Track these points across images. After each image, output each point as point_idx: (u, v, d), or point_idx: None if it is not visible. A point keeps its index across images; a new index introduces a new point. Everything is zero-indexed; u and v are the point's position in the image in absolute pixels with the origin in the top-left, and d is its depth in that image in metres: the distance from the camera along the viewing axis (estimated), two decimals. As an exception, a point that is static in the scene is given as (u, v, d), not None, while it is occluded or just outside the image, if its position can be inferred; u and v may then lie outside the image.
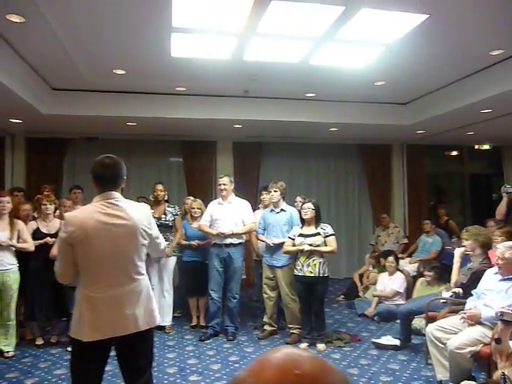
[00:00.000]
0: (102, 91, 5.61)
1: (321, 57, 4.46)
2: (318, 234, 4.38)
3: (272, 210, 4.85)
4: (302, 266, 4.34)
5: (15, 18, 3.57)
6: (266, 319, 4.84)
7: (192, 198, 5.60)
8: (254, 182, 7.71)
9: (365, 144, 8.22)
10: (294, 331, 4.62)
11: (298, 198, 5.47)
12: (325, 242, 4.35)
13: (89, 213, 2.18)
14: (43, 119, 5.78)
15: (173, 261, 4.99)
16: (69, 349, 4.01)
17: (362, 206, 8.53)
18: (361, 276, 6.60)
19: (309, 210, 4.41)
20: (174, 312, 5.11)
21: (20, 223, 4.33)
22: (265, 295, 4.80)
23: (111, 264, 2.17)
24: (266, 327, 4.83)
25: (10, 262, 4.20)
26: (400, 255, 6.57)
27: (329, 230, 4.43)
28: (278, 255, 4.65)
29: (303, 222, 4.48)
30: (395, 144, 8.49)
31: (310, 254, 4.32)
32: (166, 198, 5.15)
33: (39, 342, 4.51)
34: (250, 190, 7.09)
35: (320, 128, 6.84)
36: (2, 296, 4.17)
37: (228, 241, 4.72)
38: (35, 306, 4.37)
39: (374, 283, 5.93)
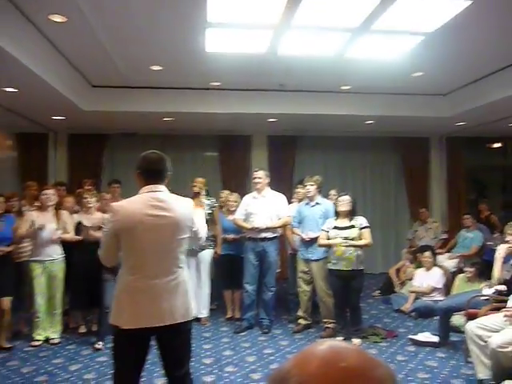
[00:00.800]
0: (140, 87, 5.72)
1: (357, 48, 4.38)
2: (353, 226, 4.33)
3: (307, 204, 4.82)
4: (337, 259, 4.31)
5: (57, 18, 3.70)
6: (300, 313, 4.84)
7: (228, 191, 5.63)
8: (289, 176, 7.69)
9: (402, 137, 8.02)
10: (329, 326, 4.60)
11: (332, 192, 5.43)
12: (360, 234, 4.30)
13: (135, 203, 2.25)
14: (84, 116, 5.97)
15: (210, 253, 5.07)
16: (97, 346, 4.18)
17: (398, 200, 8.35)
18: (397, 271, 6.48)
19: (345, 202, 4.37)
20: (210, 304, 5.19)
21: (64, 214, 4.51)
22: (299, 289, 4.80)
23: (152, 255, 2.21)
24: (301, 321, 4.82)
25: (57, 253, 4.39)
26: (439, 250, 6.41)
27: (364, 222, 4.38)
28: (313, 248, 4.63)
29: (337, 214, 4.44)
30: (434, 136, 8.24)
31: (345, 248, 4.28)
32: (203, 193, 5.20)
33: (82, 330, 4.68)
34: (284, 184, 7.07)
35: (356, 121, 6.74)
36: (49, 285, 4.37)
37: (263, 235, 4.73)
38: (78, 296, 4.55)
39: (411, 279, 5.81)
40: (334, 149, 8.04)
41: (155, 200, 2.24)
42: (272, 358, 4.03)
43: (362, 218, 4.44)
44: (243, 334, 4.68)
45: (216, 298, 5.47)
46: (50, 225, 4.34)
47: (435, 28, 3.88)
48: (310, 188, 4.73)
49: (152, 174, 2.29)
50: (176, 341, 2.29)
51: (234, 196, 5.30)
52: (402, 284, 6.14)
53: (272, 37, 4.12)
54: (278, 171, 7.37)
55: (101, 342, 4.21)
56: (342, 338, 4.37)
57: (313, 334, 4.67)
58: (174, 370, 2.32)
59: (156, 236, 2.21)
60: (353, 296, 4.36)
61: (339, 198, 4.47)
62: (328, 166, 8.06)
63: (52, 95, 4.88)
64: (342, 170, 8.22)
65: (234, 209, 5.14)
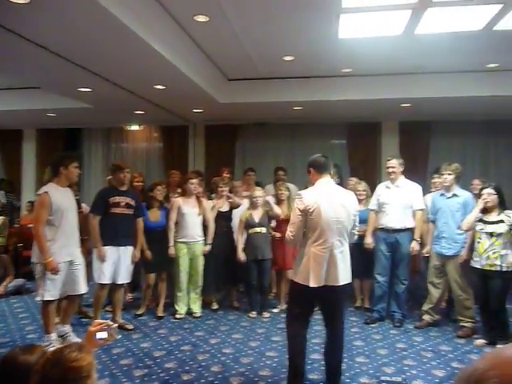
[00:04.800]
0: (271, 78, 5.90)
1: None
2: (502, 221, 3.91)
3: (442, 195, 4.49)
4: (480, 257, 3.95)
5: (201, 18, 4.00)
6: (425, 308, 4.57)
7: (356, 179, 5.52)
8: (423, 164, 7.26)
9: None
10: (465, 324, 4.29)
11: (476, 181, 5.00)
12: (510, 230, 3.88)
13: (316, 191, 2.96)
14: (220, 108, 6.38)
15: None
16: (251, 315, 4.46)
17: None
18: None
19: (489, 196, 3.96)
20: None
21: (205, 202, 4.90)
22: (429, 284, 4.53)
23: (331, 230, 2.89)
24: (425, 317, 4.55)
25: (199, 235, 4.81)
26: None
27: None
28: (449, 243, 4.33)
29: (485, 209, 4.03)
30: None
31: (490, 245, 3.91)
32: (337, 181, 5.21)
33: (214, 306, 5.06)
34: (417, 173, 6.68)
35: (507, 103, 6.02)
36: (192, 265, 4.79)
37: (396, 226, 4.56)
38: (215, 274, 4.95)
39: None
40: (474, 133, 7.37)
41: (330, 189, 2.99)
42: (405, 353, 3.88)
43: None
44: (373, 325, 4.59)
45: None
46: (193, 210, 4.75)
47: None
48: (448, 177, 4.39)
49: (322, 171, 3.04)
50: (338, 297, 3.00)
51: (363, 185, 5.17)
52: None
53: (410, 16, 3.90)
54: (411, 159, 6.96)
55: (254, 312, 4.85)
56: (483, 341, 4.03)
57: (450, 333, 4.38)
58: (331, 320, 3.06)
59: (334, 215, 2.89)
60: (492, 299, 3.95)
61: (482, 192, 4.04)
62: (467, 153, 7.44)
63: (194, 90, 5.30)
64: (483, 157, 7.48)
65: (362, 198, 5.00)
